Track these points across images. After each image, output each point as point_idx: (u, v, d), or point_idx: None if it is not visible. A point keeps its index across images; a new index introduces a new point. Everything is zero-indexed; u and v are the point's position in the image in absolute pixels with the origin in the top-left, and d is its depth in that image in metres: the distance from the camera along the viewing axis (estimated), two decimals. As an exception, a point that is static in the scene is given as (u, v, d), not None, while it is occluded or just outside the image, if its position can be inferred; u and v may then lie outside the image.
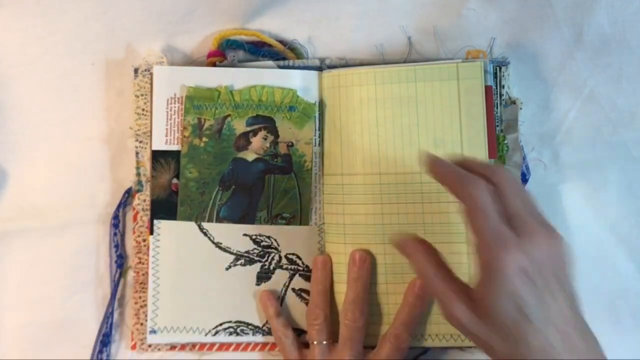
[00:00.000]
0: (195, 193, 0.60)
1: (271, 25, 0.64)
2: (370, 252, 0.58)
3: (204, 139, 0.60)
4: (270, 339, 0.60)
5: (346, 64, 0.62)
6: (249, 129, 0.60)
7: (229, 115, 0.60)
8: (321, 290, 0.59)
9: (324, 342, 0.57)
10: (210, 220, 0.60)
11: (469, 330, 0.45)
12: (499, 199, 0.45)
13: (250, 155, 0.60)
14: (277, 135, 0.60)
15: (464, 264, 0.57)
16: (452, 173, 0.47)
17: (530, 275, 0.43)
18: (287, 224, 0.60)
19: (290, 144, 0.60)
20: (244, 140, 0.60)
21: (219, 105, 0.60)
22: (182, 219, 0.60)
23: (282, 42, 0.63)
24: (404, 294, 0.57)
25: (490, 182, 0.45)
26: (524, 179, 0.60)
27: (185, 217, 0.60)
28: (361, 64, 0.62)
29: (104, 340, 0.62)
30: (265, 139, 0.60)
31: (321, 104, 0.61)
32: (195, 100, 0.60)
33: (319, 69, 0.62)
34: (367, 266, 0.58)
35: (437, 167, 0.48)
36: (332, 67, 0.62)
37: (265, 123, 0.60)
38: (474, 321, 0.44)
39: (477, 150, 0.58)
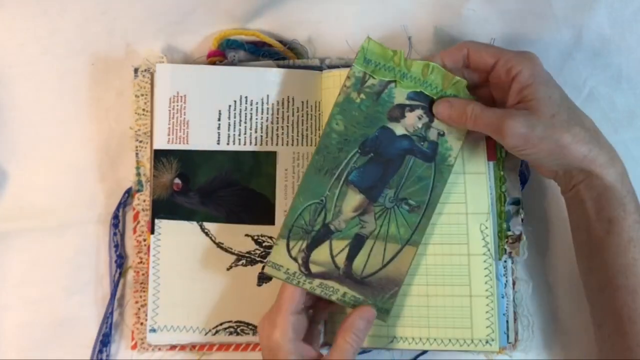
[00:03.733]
0: (334, 146, 0.56)
1: (271, 25, 0.64)
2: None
3: (362, 95, 0.56)
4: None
5: (346, 64, 0.62)
6: (407, 102, 0.56)
7: (394, 81, 0.56)
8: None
9: None
10: (338, 179, 0.56)
11: (533, 133, 0.50)
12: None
13: (399, 129, 0.57)
14: (431, 120, 0.57)
15: (464, 265, 0.57)
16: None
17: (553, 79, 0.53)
18: (409, 211, 0.56)
19: (442, 132, 0.57)
20: (399, 112, 0.57)
21: (388, 68, 0.56)
22: (312, 171, 0.56)
23: (282, 42, 0.63)
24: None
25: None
26: (524, 179, 0.61)
27: (317, 167, 0.56)
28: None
29: (104, 340, 0.62)
30: (420, 119, 0.57)
31: (321, 104, 0.61)
32: (368, 54, 0.56)
33: (319, 69, 0.62)
34: (369, 325, 0.56)
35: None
36: (332, 67, 0.62)
37: (425, 103, 0.57)
38: (535, 121, 0.50)
39: (477, 153, 0.58)
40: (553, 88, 0.52)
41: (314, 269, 0.55)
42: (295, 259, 0.55)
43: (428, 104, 0.56)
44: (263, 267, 0.56)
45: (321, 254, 0.55)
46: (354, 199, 0.56)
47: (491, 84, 0.55)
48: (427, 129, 0.56)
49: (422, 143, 0.56)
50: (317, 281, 0.55)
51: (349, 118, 0.56)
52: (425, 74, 0.56)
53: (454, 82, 0.55)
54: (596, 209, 0.51)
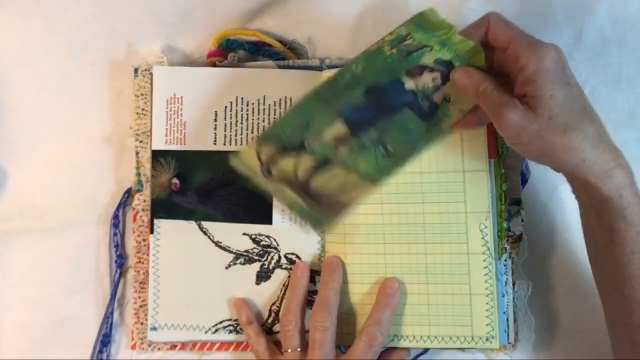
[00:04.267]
0: (341, 82, 0.56)
1: (271, 25, 0.64)
2: (341, 259, 0.59)
3: (394, 50, 0.56)
4: (270, 338, 0.60)
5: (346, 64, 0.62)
6: (432, 65, 0.55)
7: (430, 46, 0.55)
8: (296, 296, 0.59)
9: (298, 350, 0.57)
10: (332, 108, 0.56)
11: (526, 130, 0.48)
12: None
13: (409, 84, 0.56)
14: (444, 83, 0.55)
15: (464, 264, 0.57)
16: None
17: (567, 71, 0.49)
18: (384, 156, 0.56)
19: (447, 98, 0.56)
20: (419, 70, 0.56)
21: (434, 35, 0.55)
22: (312, 97, 0.56)
23: (282, 42, 0.63)
24: (377, 294, 0.57)
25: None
26: (524, 179, 0.60)
27: (318, 95, 0.56)
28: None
29: (104, 340, 0.62)
30: (434, 80, 0.56)
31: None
32: (422, 21, 0.56)
33: (319, 69, 0.62)
34: (338, 272, 0.58)
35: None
36: (332, 67, 0.62)
37: (447, 70, 0.55)
38: (531, 118, 0.48)
39: (477, 149, 0.58)
40: (559, 87, 0.48)
41: (274, 172, 0.57)
42: (260, 160, 0.57)
43: (449, 70, 0.55)
44: (232, 163, 0.58)
45: (286, 163, 0.57)
46: (337, 129, 0.56)
47: (506, 62, 0.53)
48: (435, 91, 0.56)
49: (423, 101, 0.56)
50: (274, 184, 0.57)
51: (370, 64, 0.56)
52: (462, 49, 0.54)
53: (479, 62, 0.54)
54: (597, 217, 0.50)
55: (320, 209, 0.57)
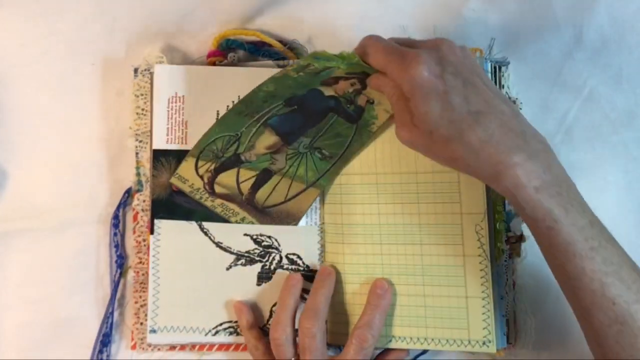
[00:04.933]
0: (259, 99, 0.58)
1: (271, 25, 0.64)
2: (335, 268, 0.59)
3: (301, 74, 0.57)
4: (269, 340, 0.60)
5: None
6: (345, 75, 0.58)
7: (336, 67, 0.57)
8: (286, 307, 0.58)
9: (292, 359, 0.57)
10: (257, 120, 0.59)
11: (416, 144, 0.50)
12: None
13: (328, 91, 0.58)
14: (364, 87, 0.58)
15: (460, 266, 0.56)
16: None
17: (446, 77, 0.48)
18: (321, 159, 0.59)
19: (371, 101, 0.58)
20: (333, 80, 0.58)
21: (333, 61, 0.57)
22: (232, 113, 0.59)
23: (282, 42, 0.63)
24: (367, 296, 0.57)
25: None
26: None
27: (238, 111, 0.59)
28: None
29: (104, 340, 0.62)
30: (352, 85, 0.58)
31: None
32: (318, 57, 0.57)
33: (319, 69, 0.62)
34: (330, 279, 0.58)
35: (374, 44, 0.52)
36: (331, 67, 0.62)
37: (362, 76, 0.57)
38: (417, 134, 0.49)
39: None
40: (434, 101, 0.47)
41: (218, 189, 0.59)
42: (201, 177, 0.59)
43: (365, 76, 0.57)
44: (172, 180, 0.59)
45: (227, 178, 0.59)
46: (268, 139, 0.59)
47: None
48: (356, 95, 0.58)
49: (348, 105, 0.58)
50: (219, 201, 0.59)
51: (282, 85, 0.57)
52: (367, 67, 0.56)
53: None
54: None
55: (272, 222, 0.59)
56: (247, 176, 0.59)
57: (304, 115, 0.59)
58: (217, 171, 0.59)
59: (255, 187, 0.59)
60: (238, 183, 0.59)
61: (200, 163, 0.59)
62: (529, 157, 0.46)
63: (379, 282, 0.57)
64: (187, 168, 0.59)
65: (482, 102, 0.48)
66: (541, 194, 0.46)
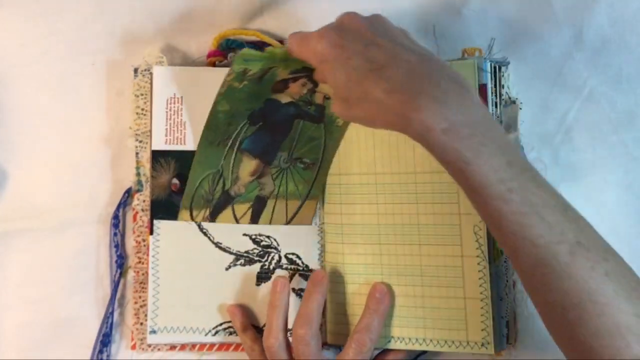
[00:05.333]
0: (222, 122, 0.58)
1: (271, 25, 0.64)
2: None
3: (245, 82, 0.57)
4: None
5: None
6: (290, 76, 0.57)
7: (275, 67, 0.56)
8: (277, 314, 0.58)
9: None
10: (231, 148, 0.59)
11: (345, 116, 0.51)
12: None
13: (284, 98, 0.58)
14: (316, 85, 0.58)
15: (458, 267, 0.56)
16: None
17: (345, 44, 0.48)
18: (305, 168, 0.60)
19: (327, 96, 0.58)
20: (283, 84, 0.58)
21: (268, 61, 0.56)
22: (204, 144, 0.58)
23: (282, 42, 0.63)
24: (366, 299, 0.57)
25: None
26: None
27: (209, 141, 0.58)
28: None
29: (104, 340, 0.62)
30: (304, 86, 0.58)
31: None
32: (246, 58, 0.55)
33: (319, 69, 0.62)
34: (322, 284, 0.58)
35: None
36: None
37: (308, 72, 0.57)
38: (341, 105, 0.49)
39: None
40: (339, 69, 0.48)
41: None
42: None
43: (311, 72, 0.55)
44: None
45: (225, 218, 0.60)
46: (249, 164, 0.59)
47: None
48: (312, 94, 0.58)
49: (308, 107, 0.58)
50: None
51: (233, 100, 0.57)
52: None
53: None
54: None
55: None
56: (243, 210, 0.60)
57: (271, 129, 0.59)
58: (213, 215, 0.60)
59: (254, 218, 0.60)
60: (237, 220, 0.60)
61: (194, 213, 0.60)
62: (434, 99, 0.45)
63: (378, 286, 0.57)
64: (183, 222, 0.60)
65: (385, 57, 0.47)
66: (448, 135, 0.44)
